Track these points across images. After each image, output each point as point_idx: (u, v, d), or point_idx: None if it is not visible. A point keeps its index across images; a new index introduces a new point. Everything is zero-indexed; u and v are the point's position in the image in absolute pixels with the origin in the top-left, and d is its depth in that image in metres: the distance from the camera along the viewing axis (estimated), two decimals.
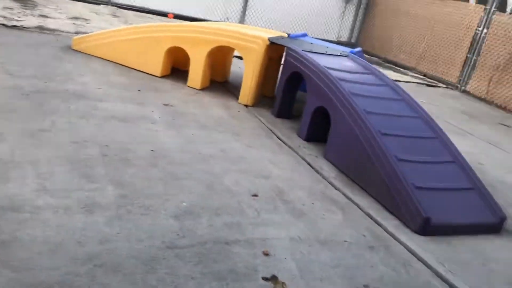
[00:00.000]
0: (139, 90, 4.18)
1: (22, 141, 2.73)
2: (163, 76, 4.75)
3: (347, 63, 4.25)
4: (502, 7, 8.77)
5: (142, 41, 4.66)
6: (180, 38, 4.53)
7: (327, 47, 4.69)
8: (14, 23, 5.56)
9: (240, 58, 5.02)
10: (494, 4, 7.59)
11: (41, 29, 5.61)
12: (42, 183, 2.34)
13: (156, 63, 4.67)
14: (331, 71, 3.71)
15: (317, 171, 3.31)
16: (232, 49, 4.90)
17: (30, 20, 5.94)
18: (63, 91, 3.70)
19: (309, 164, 3.41)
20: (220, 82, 5.08)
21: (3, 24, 5.38)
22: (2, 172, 2.35)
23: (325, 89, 3.63)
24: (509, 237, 2.88)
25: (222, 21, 9.53)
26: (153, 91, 4.26)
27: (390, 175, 2.89)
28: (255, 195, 2.74)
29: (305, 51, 4.10)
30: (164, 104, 3.98)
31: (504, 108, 7.06)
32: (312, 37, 5.39)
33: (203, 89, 4.67)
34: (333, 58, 4.28)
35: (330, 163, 3.46)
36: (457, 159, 3.23)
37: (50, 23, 6.00)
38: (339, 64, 4.10)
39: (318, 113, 3.77)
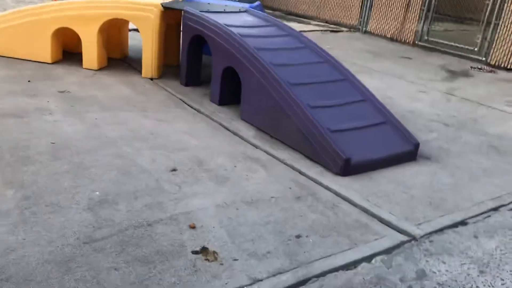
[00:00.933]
0: (29, 81, 3.80)
1: None
2: (54, 62, 4.35)
3: (248, 18, 4.13)
4: None
5: (23, 26, 4.20)
6: (66, 18, 4.14)
7: (225, 5, 4.53)
8: None
9: (136, 30, 4.74)
10: None
11: None
12: None
13: (44, 49, 4.26)
14: (232, 29, 3.59)
15: (235, 134, 3.22)
16: (126, 22, 4.59)
17: None
18: None
19: (226, 128, 3.31)
20: (120, 59, 4.77)
21: None
22: None
23: (230, 48, 3.50)
24: (424, 162, 3.02)
25: None
26: (46, 80, 3.88)
27: (305, 123, 2.88)
28: (174, 170, 2.61)
29: (202, 11, 3.92)
30: (60, 92, 3.65)
31: (404, 42, 7.39)
32: None
33: (101, 69, 4.35)
34: (232, 15, 4.14)
35: (248, 123, 3.39)
36: (367, 97, 3.29)
37: None
38: (240, 21, 3.98)
39: (227, 75, 3.65)
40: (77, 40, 4.44)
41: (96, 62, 4.25)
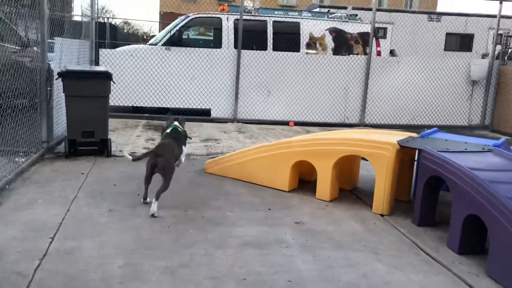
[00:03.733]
0: (269, 209, 4.17)
1: (164, 280, 2.77)
2: (291, 190, 4.72)
3: (494, 160, 3.78)
4: None
5: (268, 158, 4.77)
6: (305, 152, 4.53)
7: (465, 143, 4.28)
8: None
9: (366, 159, 4.84)
10: None
11: None
12: None
13: (284, 179, 4.69)
14: (477, 173, 3.31)
15: None
16: (359, 155, 4.75)
17: None
18: (200, 218, 3.83)
19: (470, 286, 2.91)
20: (349, 190, 4.88)
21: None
22: None
23: (474, 195, 3.21)
24: None
25: (341, 122, 9.58)
26: (283, 209, 4.21)
27: None
28: None
29: (440, 151, 3.77)
30: (296, 223, 3.87)
31: None
32: (444, 132, 5.02)
33: (332, 200, 4.50)
34: (475, 155, 3.86)
35: (497, 284, 2.92)
36: None
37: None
38: (484, 162, 3.66)
39: (470, 221, 3.31)
40: (311, 169, 4.78)
41: (328, 194, 4.45)
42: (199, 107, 9.35)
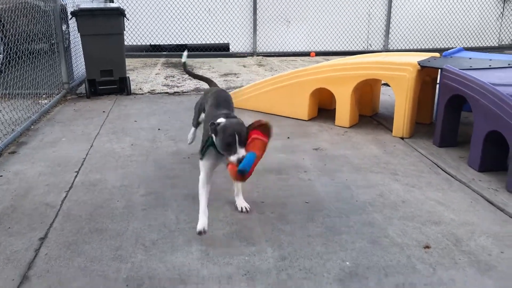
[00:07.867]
0: (288, 138, 4.18)
1: (185, 205, 2.87)
2: (310, 119, 4.70)
3: None
4: None
5: (286, 88, 4.72)
6: (323, 79, 4.45)
7: (490, 60, 4.10)
8: (175, 89, 6.17)
9: (388, 85, 4.74)
10: None
11: (197, 91, 6.12)
12: (205, 249, 2.40)
13: (302, 108, 4.65)
14: (500, 88, 3.19)
15: (501, 209, 2.79)
16: (379, 80, 4.64)
17: (188, 84, 6.54)
18: None
19: (488, 201, 2.91)
20: (370, 116, 4.82)
21: (166, 92, 6.01)
22: (171, 241, 2.48)
23: (496, 110, 3.12)
24: None
25: (364, 50, 9.29)
26: (302, 137, 4.21)
27: None
28: (427, 247, 2.40)
29: (463, 69, 3.63)
30: (314, 149, 3.88)
31: None
32: (470, 51, 4.80)
33: (352, 126, 4.47)
34: (500, 71, 3.70)
35: None
36: None
37: (204, 84, 6.52)
38: (510, 78, 3.52)
39: (491, 138, 3.25)
40: (331, 97, 4.72)
41: (348, 120, 4.41)
42: (217, 42, 9.20)
